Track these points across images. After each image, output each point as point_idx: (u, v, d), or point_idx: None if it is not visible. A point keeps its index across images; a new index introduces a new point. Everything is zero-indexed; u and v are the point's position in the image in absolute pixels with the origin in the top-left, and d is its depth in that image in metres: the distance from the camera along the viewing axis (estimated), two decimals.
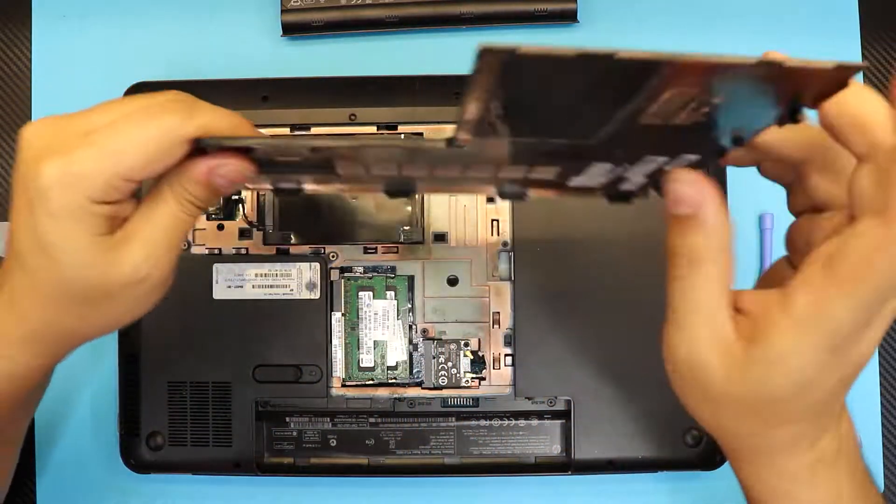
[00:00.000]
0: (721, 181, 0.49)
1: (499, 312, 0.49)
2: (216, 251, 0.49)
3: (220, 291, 0.49)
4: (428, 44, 0.53)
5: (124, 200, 0.33)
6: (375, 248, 0.49)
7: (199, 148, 0.32)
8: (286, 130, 0.50)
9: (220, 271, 0.49)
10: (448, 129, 0.50)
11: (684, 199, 0.28)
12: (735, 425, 0.31)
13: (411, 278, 0.49)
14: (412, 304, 0.49)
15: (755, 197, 0.52)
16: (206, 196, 0.34)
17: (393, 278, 0.49)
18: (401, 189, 0.34)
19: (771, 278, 0.35)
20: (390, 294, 0.49)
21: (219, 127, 0.32)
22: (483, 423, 0.49)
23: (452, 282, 0.49)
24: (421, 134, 0.50)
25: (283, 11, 0.52)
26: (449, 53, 0.53)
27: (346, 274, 0.49)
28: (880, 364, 0.51)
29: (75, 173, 0.31)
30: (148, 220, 0.33)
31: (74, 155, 0.31)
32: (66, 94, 0.53)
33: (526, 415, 0.49)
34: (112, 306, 0.34)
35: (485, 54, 0.22)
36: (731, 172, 0.50)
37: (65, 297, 0.33)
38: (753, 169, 0.52)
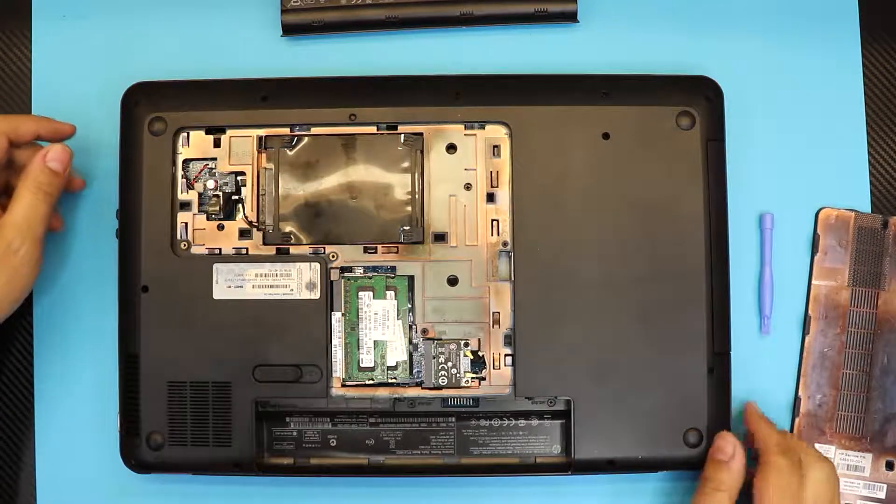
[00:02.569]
0: (721, 181, 0.49)
1: (499, 312, 0.49)
2: (216, 251, 0.49)
3: (220, 291, 0.49)
4: (428, 44, 0.53)
5: None
6: (375, 248, 0.49)
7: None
8: (286, 130, 0.50)
9: (220, 271, 0.49)
10: (448, 130, 0.50)
11: (725, 452, 0.47)
12: None
13: (411, 278, 0.49)
14: (412, 304, 0.49)
15: (755, 197, 0.52)
16: (50, 179, 0.47)
17: (393, 278, 0.49)
18: None
19: None
20: (390, 294, 0.49)
21: (21, 121, 0.48)
22: (483, 423, 0.49)
23: (452, 282, 0.49)
24: (420, 134, 0.50)
25: (283, 11, 0.52)
26: (449, 53, 0.53)
27: (346, 274, 0.49)
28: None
29: None
30: (11, 211, 0.46)
31: None
32: (66, 94, 0.53)
33: (526, 415, 0.49)
34: None
35: None
36: (732, 173, 0.50)
37: None
38: (753, 169, 0.52)
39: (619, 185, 0.49)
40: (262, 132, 0.50)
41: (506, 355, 0.49)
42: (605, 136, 0.49)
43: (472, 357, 0.49)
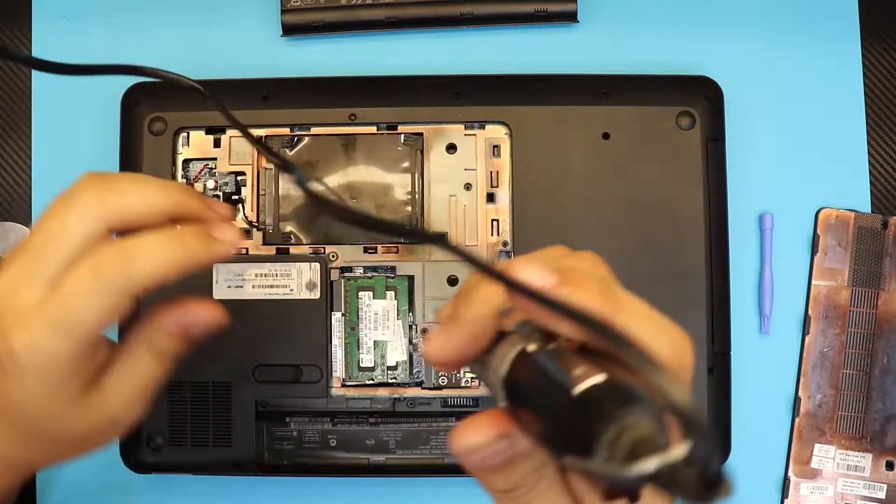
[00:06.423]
0: (721, 181, 0.49)
1: None
2: None
3: (220, 291, 0.49)
4: (428, 44, 0.53)
5: (95, 352, 0.33)
6: (375, 248, 0.49)
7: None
8: (286, 130, 0.50)
9: (220, 271, 0.49)
10: (448, 130, 0.50)
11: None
12: None
13: (411, 278, 0.49)
14: (412, 304, 0.49)
15: (755, 197, 0.52)
16: (180, 347, 0.36)
17: (393, 278, 0.49)
18: None
19: None
20: (390, 294, 0.49)
21: (161, 268, 0.32)
22: None
23: (452, 282, 0.49)
24: (420, 134, 0.50)
25: (283, 11, 0.52)
26: (449, 53, 0.53)
27: (346, 274, 0.49)
28: None
29: (43, 352, 0.31)
30: (121, 378, 0.34)
31: (38, 335, 0.31)
32: (66, 94, 0.53)
33: None
34: (82, 446, 0.35)
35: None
36: (732, 172, 0.50)
37: (42, 444, 0.34)
38: (753, 169, 0.52)
39: (619, 185, 0.49)
40: (262, 132, 0.50)
41: None
42: (605, 136, 0.49)
43: None
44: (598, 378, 0.21)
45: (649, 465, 0.19)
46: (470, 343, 0.27)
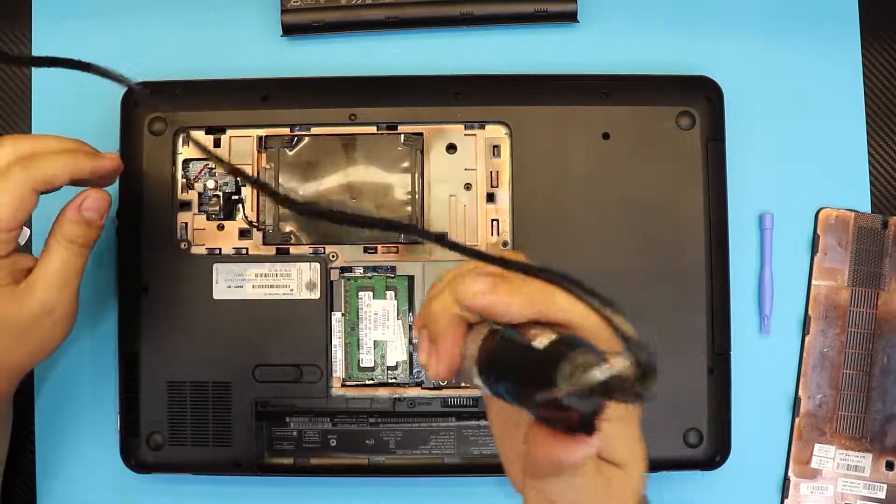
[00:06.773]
0: (721, 181, 0.49)
1: None
2: (216, 251, 0.49)
3: (220, 291, 0.49)
4: (428, 44, 0.53)
5: (13, 252, 0.42)
6: (375, 248, 0.49)
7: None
8: (286, 130, 0.50)
9: (220, 271, 0.49)
10: (448, 130, 0.50)
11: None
12: None
13: (411, 278, 0.49)
14: (412, 304, 0.49)
15: (755, 197, 0.52)
16: (85, 232, 0.42)
17: (393, 278, 0.49)
18: None
19: None
20: (390, 294, 0.49)
21: (56, 169, 0.41)
22: (483, 422, 0.49)
23: None
24: (420, 134, 0.50)
25: (283, 11, 0.52)
26: (449, 53, 0.53)
27: (346, 274, 0.49)
28: None
29: None
30: (43, 267, 0.42)
31: None
32: (66, 94, 0.53)
33: None
34: (31, 336, 0.43)
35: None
36: (731, 172, 0.50)
37: None
38: (753, 169, 0.52)
39: (619, 185, 0.49)
40: (262, 132, 0.50)
41: None
42: (605, 136, 0.49)
43: None
44: (553, 335, 0.28)
45: (600, 373, 0.25)
46: (455, 350, 0.32)
